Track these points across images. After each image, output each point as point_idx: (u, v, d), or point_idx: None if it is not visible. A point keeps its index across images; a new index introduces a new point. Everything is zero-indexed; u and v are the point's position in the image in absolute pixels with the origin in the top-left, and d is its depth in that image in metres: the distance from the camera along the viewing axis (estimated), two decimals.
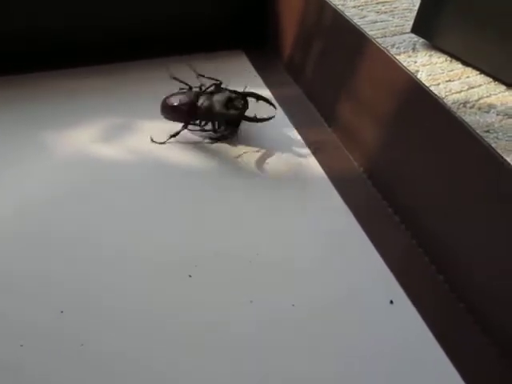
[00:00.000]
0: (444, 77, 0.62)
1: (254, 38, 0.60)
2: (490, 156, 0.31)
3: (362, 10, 0.76)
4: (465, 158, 0.34)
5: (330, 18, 0.48)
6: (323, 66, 0.50)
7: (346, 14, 0.73)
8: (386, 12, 0.75)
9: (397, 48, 0.66)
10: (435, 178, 0.37)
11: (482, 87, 0.61)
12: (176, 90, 0.47)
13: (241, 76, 0.57)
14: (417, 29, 0.67)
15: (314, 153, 0.46)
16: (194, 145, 0.46)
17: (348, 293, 0.35)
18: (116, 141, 0.46)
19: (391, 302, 0.35)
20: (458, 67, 0.64)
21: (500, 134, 0.53)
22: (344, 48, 0.46)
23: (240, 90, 0.46)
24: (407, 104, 0.39)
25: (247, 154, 0.46)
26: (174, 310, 0.33)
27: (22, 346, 0.30)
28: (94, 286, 0.34)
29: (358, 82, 0.44)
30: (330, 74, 0.49)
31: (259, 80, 0.56)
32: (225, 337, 0.31)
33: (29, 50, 0.53)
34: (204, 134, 0.47)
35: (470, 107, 0.57)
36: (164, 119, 0.47)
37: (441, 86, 0.60)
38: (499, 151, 0.52)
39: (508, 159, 0.51)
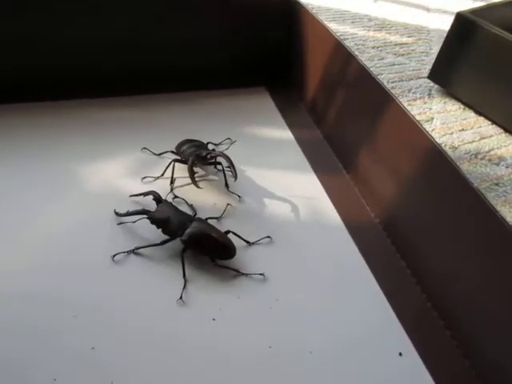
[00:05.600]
0: (457, 126, 0.64)
1: (278, 75, 0.63)
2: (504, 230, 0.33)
3: (380, 51, 0.78)
4: (478, 227, 0.36)
5: (356, 71, 0.50)
6: (345, 115, 0.53)
7: (366, 54, 0.77)
8: (403, 54, 0.78)
9: (413, 93, 0.69)
10: (447, 238, 0.39)
11: (493, 138, 0.63)
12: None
13: (262, 114, 0.60)
14: (433, 76, 0.70)
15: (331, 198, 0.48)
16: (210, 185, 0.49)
17: (359, 342, 0.37)
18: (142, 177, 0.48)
19: (400, 354, 0.37)
20: (470, 116, 0.67)
21: (509, 187, 0.55)
22: (367, 101, 0.48)
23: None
24: (425, 164, 0.41)
25: (262, 196, 0.48)
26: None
27: None
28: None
29: (378, 135, 0.47)
30: (352, 124, 0.51)
31: (280, 119, 0.58)
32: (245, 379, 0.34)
33: (60, 78, 0.55)
34: None
35: (481, 158, 0.59)
36: None
37: (454, 135, 0.62)
38: (507, 205, 0.55)
39: None
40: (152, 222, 0.41)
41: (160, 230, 0.40)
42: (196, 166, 0.47)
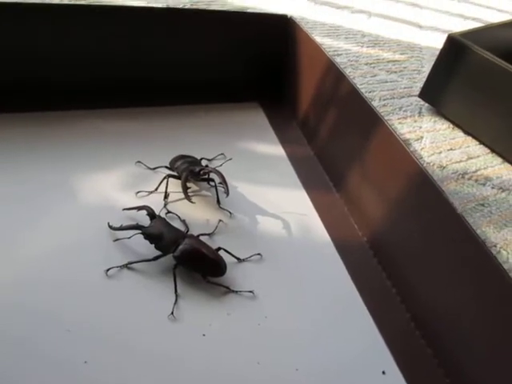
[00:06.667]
0: (446, 145, 0.66)
1: (271, 91, 0.64)
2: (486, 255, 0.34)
3: (373, 67, 0.80)
4: (461, 251, 0.37)
5: (346, 90, 0.51)
6: (336, 133, 0.54)
7: (359, 71, 0.78)
8: (395, 72, 0.80)
9: (404, 111, 0.70)
10: (432, 260, 0.40)
11: (480, 158, 0.65)
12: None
13: (255, 130, 0.61)
14: (424, 94, 0.71)
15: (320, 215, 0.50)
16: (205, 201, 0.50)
17: (344, 360, 0.38)
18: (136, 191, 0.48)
19: (383, 372, 0.38)
20: (459, 135, 0.68)
21: (494, 208, 0.57)
22: (357, 120, 0.50)
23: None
24: (410, 186, 0.43)
25: (253, 213, 0.48)
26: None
27: None
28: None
29: (366, 155, 0.48)
30: (342, 142, 0.53)
31: (273, 135, 0.60)
32: None
33: (54, 90, 0.55)
34: None
35: (468, 178, 0.61)
36: None
37: (442, 154, 0.64)
38: (492, 226, 0.56)
39: (499, 234, 0.55)
40: (145, 238, 0.42)
41: (153, 245, 0.41)
42: (189, 182, 0.48)
